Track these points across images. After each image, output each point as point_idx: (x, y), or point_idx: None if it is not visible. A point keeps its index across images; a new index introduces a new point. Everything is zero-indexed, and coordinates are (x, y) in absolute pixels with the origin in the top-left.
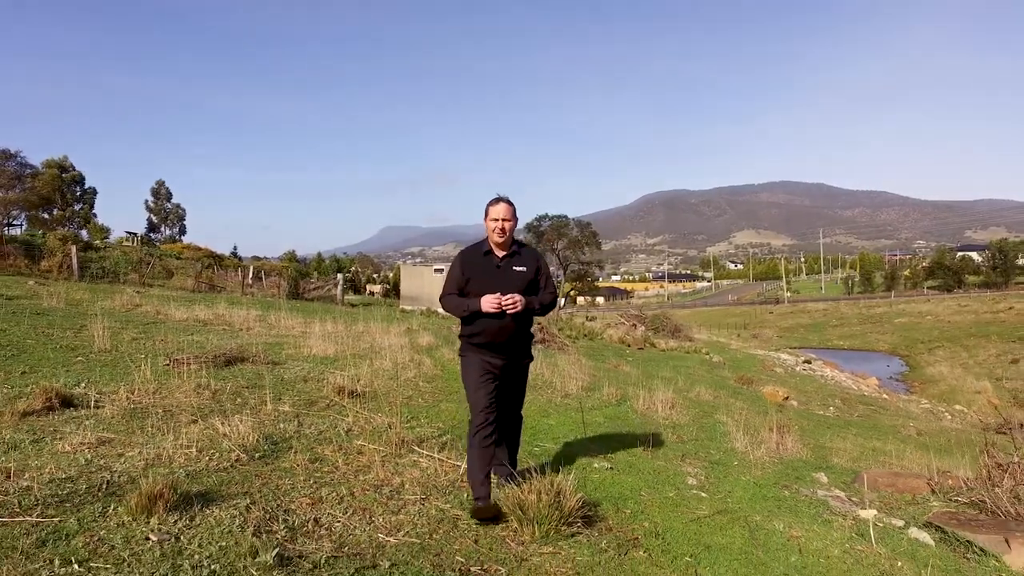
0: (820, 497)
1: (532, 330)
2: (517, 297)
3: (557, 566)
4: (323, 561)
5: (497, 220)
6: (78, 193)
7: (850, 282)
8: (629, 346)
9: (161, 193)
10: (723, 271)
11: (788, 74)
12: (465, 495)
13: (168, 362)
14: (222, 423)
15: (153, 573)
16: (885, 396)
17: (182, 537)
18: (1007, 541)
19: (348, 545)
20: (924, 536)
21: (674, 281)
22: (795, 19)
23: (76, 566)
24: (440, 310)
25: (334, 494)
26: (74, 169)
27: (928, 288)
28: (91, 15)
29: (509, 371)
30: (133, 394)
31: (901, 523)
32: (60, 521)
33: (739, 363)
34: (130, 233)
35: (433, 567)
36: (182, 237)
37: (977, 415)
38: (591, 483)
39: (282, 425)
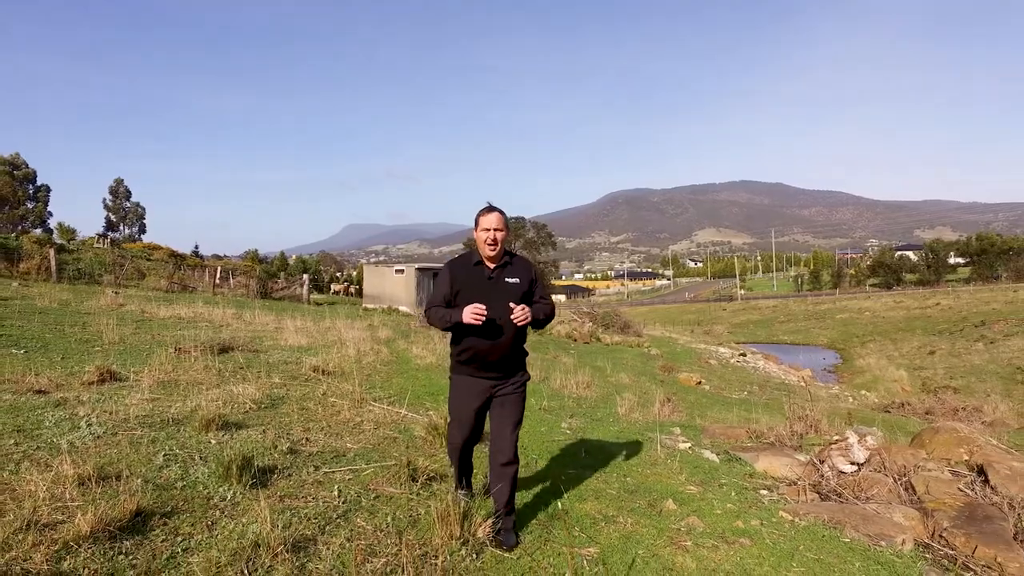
0: (662, 439)
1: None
2: (526, 308)
3: None
4: (315, 452)
5: (488, 230)
6: (31, 191)
7: (800, 280)
8: (575, 340)
9: (120, 191)
10: (683, 269)
11: (749, 76)
12: (403, 426)
13: (175, 350)
14: (235, 388)
15: (220, 452)
16: (803, 384)
17: (230, 441)
18: (758, 455)
19: (329, 447)
20: (712, 456)
21: (635, 279)
22: (755, 23)
23: (179, 450)
24: (402, 308)
25: (317, 426)
26: (26, 167)
27: (870, 286)
28: (33, 5)
29: (502, 392)
30: (158, 372)
31: (705, 451)
32: (155, 434)
33: (676, 355)
34: (101, 235)
35: (380, 456)
36: (142, 236)
37: (878, 399)
38: None
39: (276, 390)
